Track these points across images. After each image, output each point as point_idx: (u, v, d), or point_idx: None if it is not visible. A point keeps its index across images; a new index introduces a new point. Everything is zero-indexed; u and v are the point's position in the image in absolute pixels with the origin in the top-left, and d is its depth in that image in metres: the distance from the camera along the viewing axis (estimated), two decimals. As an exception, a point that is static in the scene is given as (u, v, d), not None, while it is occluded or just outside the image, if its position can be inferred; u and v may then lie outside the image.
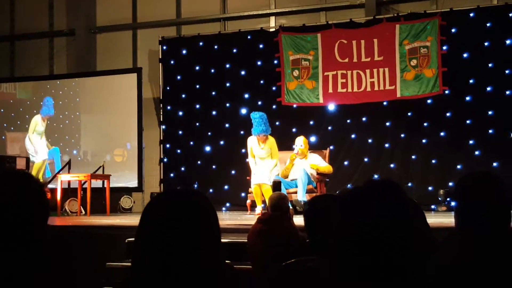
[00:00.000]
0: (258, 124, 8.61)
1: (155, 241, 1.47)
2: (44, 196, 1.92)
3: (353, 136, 10.11)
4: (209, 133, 10.83)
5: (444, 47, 9.60)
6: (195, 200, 1.55)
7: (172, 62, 11.15)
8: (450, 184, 9.33)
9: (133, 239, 5.08)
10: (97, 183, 9.90)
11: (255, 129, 8.66)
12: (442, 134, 9.66)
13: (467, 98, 9.54)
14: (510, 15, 9.38)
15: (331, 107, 10.17)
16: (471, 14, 9.55)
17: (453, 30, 9.62)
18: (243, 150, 10.45)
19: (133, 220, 8.07)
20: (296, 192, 8.34)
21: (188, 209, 1.51)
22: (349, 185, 9.70)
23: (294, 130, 10.11)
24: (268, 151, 8.61)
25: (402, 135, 9.85)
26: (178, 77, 11.10)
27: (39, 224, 1.86)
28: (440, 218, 7.02)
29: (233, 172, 10.54)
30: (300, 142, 8.81)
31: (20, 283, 1.74)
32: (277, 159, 8.61)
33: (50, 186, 10.00)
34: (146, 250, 1.49)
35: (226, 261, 1.73)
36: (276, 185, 7.81)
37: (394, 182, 1.68)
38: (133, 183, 11.02)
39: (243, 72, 10.69)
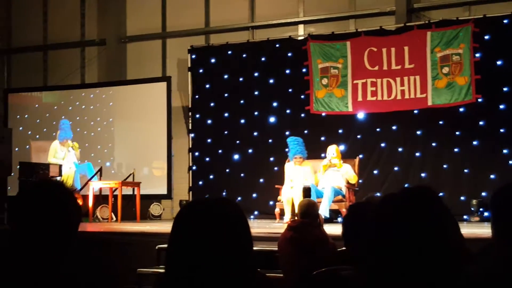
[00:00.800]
0: (294, 146, 8.83)
1: (187, 248, 1.48)
2: (75, 203, 1.98)
3: (382, 145, 9.99)
4: (238, 142, 10.82)
5: (477, 55, 9.44)
6: (226, 208, 1.55)
7: (201, 70, 11.19)
8: (483, 194, 9.15)
9: (163, 245, 5.08)
10: (128, 190, 9.99)
11: (291, 151, 8.82)
12: (475, 143, 9.48)
13: (501, 106, 9.36)
14: (545, 21, 9.19)
15: (361, 115, 10.07)
16: (505, 21, 9.37)
17: (486, 37, 9.44)
18: (272, 159, 10.46)
19: (163, 227, 8.10)
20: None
21: (219, 217, 1.52)
22: (378, 194, 9.59)
23: (322, 138, 10.05)
24: (305, 173, 8.67)
25: (434, 144, 9.70)
26: (207, 86, 11.13)
27: (70, 231, 1.91)
28: (473, 229, 6.88)
29: (261, 180, 10.50)
30: (332, 151, 8.78)
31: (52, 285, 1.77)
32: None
33: (82, 193, 10.10)
34: (178, 257, 1.50)
35: (258, 270, 1.74)
36: (306, 192, 7.77)
37: (430, 189, 1.68)
38: (163, 191, 11.07)
39: (271, 81, 10.67)
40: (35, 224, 1.83)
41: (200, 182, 11.02)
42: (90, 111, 11.76)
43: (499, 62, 9.37)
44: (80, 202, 2.87)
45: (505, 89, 9.33)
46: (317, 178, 8.79)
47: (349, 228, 3.09)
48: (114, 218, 9.59)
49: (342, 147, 9.73)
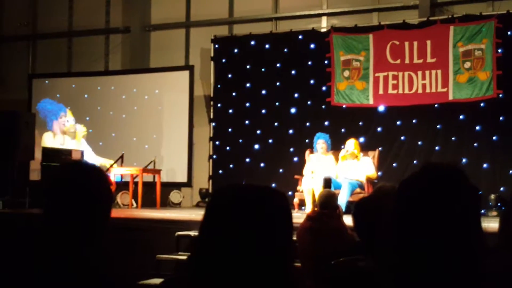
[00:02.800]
0: (320, 135, 8.97)
1: (221, 237, 1.38)
2: (109, 186, 1.98)
3: (402, 138, 10.01)
4: (258, 132, 10.90)
5: (500, 50, 9.41)
6: (270, 197, 1.44)
7: (223, 60, 11.27)
8: (502, 189, 9.16)
9: (183, 232, 5.17)
10: (148, 177, 10.12)
11: (316, 137, 8.89)
12: (494, 138, 9.48)
13: (522, 102, 9.34)
14: None
15: (381, 108, 10.11)
16: (528, 17, 9.34)
17: (509, 33, 9.41)
18: (291, 149, 10.53)
19: (183, 214, 8.22)
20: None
21: (262, 205, 1.41)
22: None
23: (343, 130, 10.10)
24: (328, 163, 8.76)
25: (453, 138, 9.71)
26: (229, 76, 11.21)
27: (103, 215, 1.89)
28: (490, 223, 6.91)
29: (281, 170, 10.58)
30: (351, 145, 8.83)
31: (82, 270, 1.75)
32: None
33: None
34: (212, 245, 1.39)
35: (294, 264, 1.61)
36: (327, 183, 7.83)
37: (455, 167, 1.53)
38: (183, 179, 11.21)
39: (293, 72, 10.72)
40: (70, 207, 1.81)
41: (220, 171, 11.13)
42: (113, 99, 11.89)
43: (521, 58, 9.34)
44: (112, 188, 2.95)
45: (526, 85, 9.30)
46: (337, 171, 8.85)
47: (361, 221, 3.16)
48: (135, 205, 9.73)
49: (362, 140, 9.77)
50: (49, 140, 10.90)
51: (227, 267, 1.36)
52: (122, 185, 10.12)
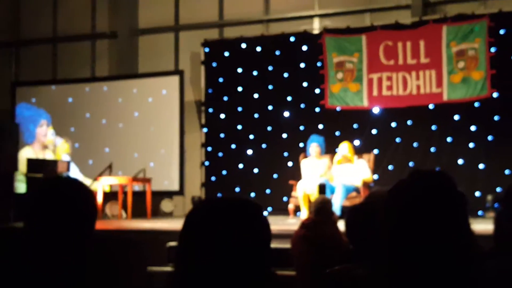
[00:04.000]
0: (314, 137, 8.84)
1: (197, 251, 1.41)
2: (94, 202, 1.96)
3: (398, 140, 9.91)
4: (251, 136, 10.76)
5: (493, 49, 9.34)
6: (243, 208, 1.46)
7: (214, 64, 11.13)
8: (498, 189, 9.05)
9: (174, 243, 5.02)
10: (138, 187, 9.93)
11: (309, 140, 8.77)
12: (489, 138, 9.39)
13: (516, 102, 9.26)
14: (562, 15, 9.06)
15: (376, 110, 9.99)
16: (521, 15, 9.27)
17: (501, 32, 9.35)
18: (286, 154, 10.40)
19: (175, 224, 8.04)
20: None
21: (235, 217, 1.43)
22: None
23: (337, 133, 9.99)
24: (322, 167, 8.63)
25: (449, 139, 9.61)
26: (220, 80, 11.07)
27: (86, 230, 1.89)
28: (488, 225, 6.78)
29: (275, 176, 10.44)
30: (344, 148, 8.70)
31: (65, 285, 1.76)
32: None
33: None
34: (189, 257, 1.43)
35: (273, 271, 1.62)
36: (321, 189, 7.71)
37: (442, 173, 1.59)
38: (174, 187, 11.03)
39: (286, 75, 10.59)
40: (51, 222, 1.81)
41: (213, 178, 10.97)
42: (101, 106, 11.68)
43: (514, 57, 9.27)
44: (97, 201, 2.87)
45: (520, 84, 9.22)
46: (331, 174, 8.71)
47: (353, 228, 3.04)
48: (124, 215, 9.53)
49: (357, 142, 9.66)
50: (31, 154, 10.30)
51: (205, 280, 1.40)
52: (111, 195, 9.89)
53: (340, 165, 8.68)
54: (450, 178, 1.57)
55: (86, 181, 9.41)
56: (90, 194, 1.94)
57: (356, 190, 8.49)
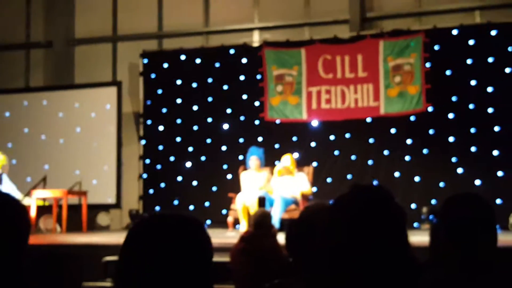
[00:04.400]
0: (254, 150, 8.82)
1: (139, 265, 1.38)
2: (26, 217, 1.88)
3: (336, 152, 10.01)
4: (190, 149, 10.65)
5: (428, 64, 9.58)
6: (185, 224, 1.44)
7: (153, 76, 10.99)
8: (433, 201, 9.26)
9: (111, 258, 4.86)
10: (74, 200, 9.63)
11: (249, 153, 8.73)
12: (425, 151, 9.61)
13: (450, 116, 9.51)
14: (492, 33, 9.38)
15: (315, 123, 10.07)
16: (454, 32, 9.56)
17: (436, 48, 9.61)
18: (225, 166, 10.34)
19: (111, 238, 7.86)
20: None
21: (176, 233, 1.41)
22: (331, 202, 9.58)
23: (277, 146, 10.01)
24: (262, 180, 8.60)
25: (386, 152, 9.78)
26: (159, 91, 10.93)
27: (19, 246, 1.83)
28: (424, 237, 6.89)
29: (214, 188, 10.37)
30: (287, 160, 8.69)
31: None
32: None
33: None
34: (129, 273, 1.40)
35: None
36: (261, 201, 7.68)
37: (382, 187, 1.63)
38: (111, 200, 10.78)
39: (225, 87, 10.56)
40: None
41: (151, 191, 10.79)
42: (36, 117, 11.32)
43: (448, 72, 9.54)
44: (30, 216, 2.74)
45: (454, 98, 9.49)
46: (271, 187, 8.69)
47: (293, 241, 3.01)
48: (59, 229, 9.22)
49: (296, 155, 9.69)
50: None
51: None
52: (46, 209, 9.55)
53: (280, 177, 8.67)
54: (389, 192, 1.59)
55: (18, 195, 9.05)
56: (21, 208, 1.86)
57: (295, 202, 8.50)
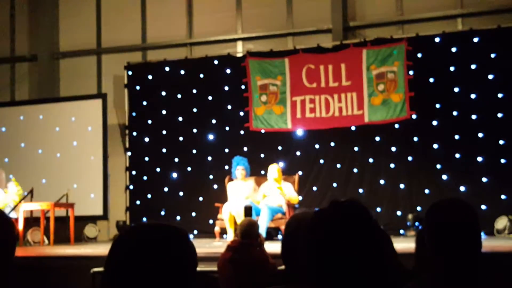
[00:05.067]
0: (239, 160, 8.83)
1: (125, 276, 1.40)
2: (12, 230, 1.88)
3: (321, 161, 10.04)
4: (176, 159, 10.65)
5: (411, 72, 9.65)
6: (168, 234, 1.46)
7: (137, 87, 10.99)
8: (418, 208, 9.31)
9: (99, 269, 4.86)
10: (61, 212, 9.61)
11: (234, 163, 8.75)
12: (409, 158, 9.67)
13: (434, 123, 9.58)
14: (475, 40, 9.47)
15: (300, 132, 10.11)
16: (437, 40, 9.64)
17: (419, 55, 9.68)
18: (211, 176, 10.35)
19: (99, 249, 7.83)
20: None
21: (160, 244, 1.42)
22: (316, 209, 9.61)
23: (262, 155, 10.03)
24: (247, 189, 8.62)
25: (371, 160, 9.83)
26: (144, 103, 10.93)
27: (6, 257, 1.82)
28: (409, 243, 6.93)
29: (200, 198, 10.37)
30: (274, 171, 8.70)
31: None
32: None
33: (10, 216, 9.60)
34: (115, 284, 1.41)
35: None
36: (247, 211, 7.70)
37: (358, 203, 1.71)
38: (98, 211, 10.74)
39: (210, 98, 10.58)
40: None
41: (138, 202, 10.77)
42: (22, 130, 11.30)
43: (431, 80, 9.61)
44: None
45: (437, 105, 9.56)
46: (256, 196, 8.71)
47: (287, 246, 3.03)
48: (47, 242, 9.19)
49: (281, 164, 9.72)
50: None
51: None
52: (33, 221, 9.51)
53: (266, 187, 8.68)
54: (365, 208, 1.67)
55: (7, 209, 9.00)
56: (7, 221, 1.85)
57: (282, 211, 8.52)
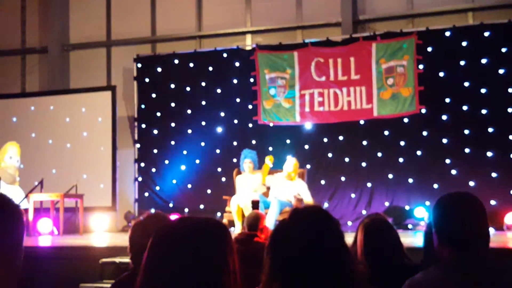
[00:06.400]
0: (247, 153, 8.86)
1: (165, 270, 1.44)
2: (21, 218, 1.83)
3: (330, 155, 10.03)
4: (185, 152, 10.67)
5: (421, 66, 9.60)
6: (211, 230, 1.53)
7: (147, 80, 11.01)
8: (427, 203, 9.28)
9: (107, 259, 4.90)
10: (70, 203, 9.68)
11: (243, 156, 8.72)
12: (418, 153, 9.63)
13: (444, 117, 9.54)
14: (486, 34, 9.41)
15: (308, 126, 10.10)
16: (447, 33, 9.58)
17: (429, 49, 9.63)
18: (219, 169, 10.36)
19: (107, 240, 7.87)
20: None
21: (206, 239, 1.49)
22: (326, 204, 9.62)
23: (270, 148, 10.02)
24: (255, 182, 8.61)
25: (379, 154, 9.80)
26: (153, 95, 10.96)
27: (14, 247, 1.77)
28: (418, 238, 6.92)
29: (208, 191, 10.38)
30: (290, 166, 8.56)
31: None
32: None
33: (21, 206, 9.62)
34: (156, 277, 1.46)
35: None
36: (255, 205, 7.70)
37: (321, 209, 1.79)
38: (107, 202, 10.79)
39: (219, 90, 10.58)
40: None
41: (146, 194, 10.81)
42: (32, 120, 11.36)
43: (441, 74, 9.56)
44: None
45: (447, 100, 9.51)
46: (265, 188, 8.70)
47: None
48: (56, 232, 9.27)
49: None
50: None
51: None
52: (43, 211, 9.60)
53: (279, 180, 8.60)
54: (327, 213, 1.76)
55: (18, 199, 9.05)
56: (16, 210, 1.80)
57: (290, 205, 8.51)
